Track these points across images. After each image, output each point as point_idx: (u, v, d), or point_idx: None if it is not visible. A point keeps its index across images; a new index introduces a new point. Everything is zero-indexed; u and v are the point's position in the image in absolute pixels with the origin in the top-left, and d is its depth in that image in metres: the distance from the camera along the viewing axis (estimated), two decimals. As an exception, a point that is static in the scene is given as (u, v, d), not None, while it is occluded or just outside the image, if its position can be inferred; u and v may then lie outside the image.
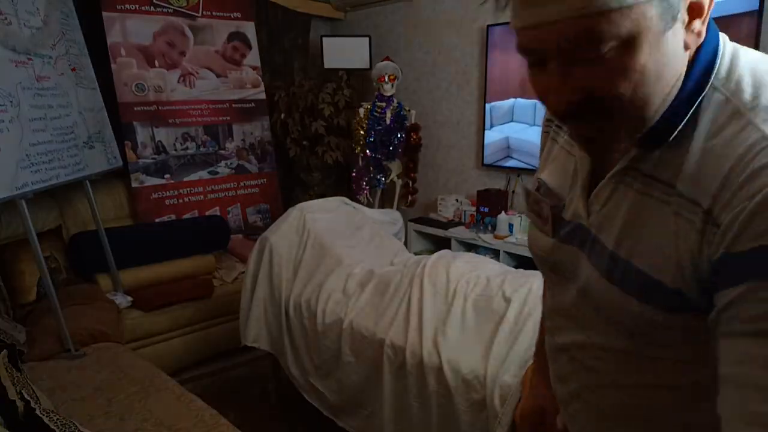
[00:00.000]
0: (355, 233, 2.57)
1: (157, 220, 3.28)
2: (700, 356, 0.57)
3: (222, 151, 3.54)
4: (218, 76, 3.53)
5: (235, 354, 3.01)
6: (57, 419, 1.34)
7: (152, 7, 3.26)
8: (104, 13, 3.10)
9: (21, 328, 2.40)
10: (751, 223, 0.49)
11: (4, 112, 2.11)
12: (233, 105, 3.59)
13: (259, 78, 3.70)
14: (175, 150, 3.36)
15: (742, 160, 0.51)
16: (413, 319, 1.92)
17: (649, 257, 0.58)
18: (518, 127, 3.20)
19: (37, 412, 1.34)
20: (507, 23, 3.20)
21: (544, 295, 0.89)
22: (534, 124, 3.10)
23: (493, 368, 1.65)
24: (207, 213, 3.48)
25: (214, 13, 3.49)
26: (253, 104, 3.67)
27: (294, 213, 2.52)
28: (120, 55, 3.16)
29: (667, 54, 0.54)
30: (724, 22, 2.27)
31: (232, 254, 3.43)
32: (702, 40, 0.56)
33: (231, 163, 3.58)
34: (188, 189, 3.42)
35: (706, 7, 0.55)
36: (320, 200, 2.74)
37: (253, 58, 3.67)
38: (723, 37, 0.60)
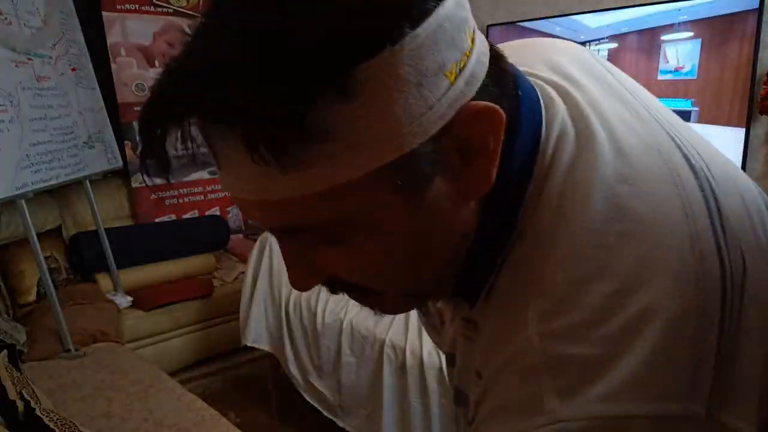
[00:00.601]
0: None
1: (157, 220, 3.28)
2: None
3: (222, 151, 3.54)
4: (218, 76, 3.52)
5: (235, 354, 3.01)
6: (57, 419, 1.34)
7: (152, 7, 3.26)
8: (104, 13, 3.09)
9: (21, 328, 2.40)
10: None
11: (4, 112, 2.11)
12: (233, 105, 3.59)
13: (259, 78, 3.70)
14: (175, 150, 3.35)
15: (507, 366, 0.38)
16: (413, 319, 1.92)
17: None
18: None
19: (37, 412, 1.34)
20: (507, 23, 3.18)
21: None
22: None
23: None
24: (207, 213, 3.48)
25: (214, 13, 3.49)
26: (253, 104, 3.67)
27: (294, 213, 2.52)
28: (120, 55, 3.16)
29: (429, 220, 0.38)
30: (724, 22, 2.30)
31: (232, 254, 3.43)
32: (492, 182, 0.38)
33: (231, 163, 3.58)
34: (188, 189, 3.42)
35: (491, 144, 0.37)
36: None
37: (253, 58, 3.67)
38: (554, 126, 0.41)
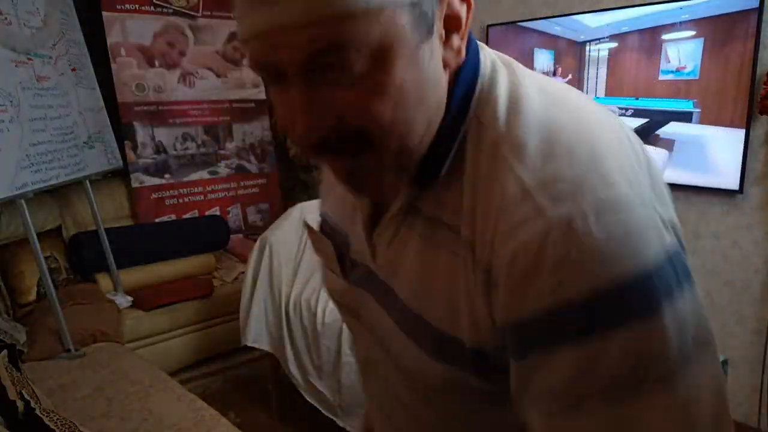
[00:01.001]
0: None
1: (157, 220, 3.28)
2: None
3: (222, 151, 3.54)
4: (218, 76, 3.52)
5: (235, 354, 3.01)
6: (57, 419, 1.34)
7: (152, 7, 3.26)
8: (104, 13, 3.09)
9: (21, 328, 2.40)
10: (519, 289, 0.43)
11: (4, 112, 2.11)
12: (233, 105, 3.59)
13: (259, 78, 3.69)
14: (175, 150, 3.36)
15: (505, 211, 0.44)
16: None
17: (442, 313, 0.50)
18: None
19: (37, 412, 1.34)
20: (507, 23, 3.18)
21: None
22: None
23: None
24: (207, 213, 3.48)
25: (214, 13, 3.49)
26: (253, 104, 3.67)
27: (294, 213, 2.52)
28: (120, 55, 3.16)
29: (426, 72, 0.46)
30: (726, 20, 2.28)
31: (232, 254, 3.43)
32: (462, 58, 0.49)
33: (231, 163, 3.58)
34: (188, 189, 3.42)
35: (464, 20, 0.47)
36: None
37: (253, 58, 3.67)
38: (485, 54, 0.52)
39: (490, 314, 0.46)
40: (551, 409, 0.43)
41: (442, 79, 0.48)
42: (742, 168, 2.25)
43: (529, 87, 0.49)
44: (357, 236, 0.60)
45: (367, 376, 0.70)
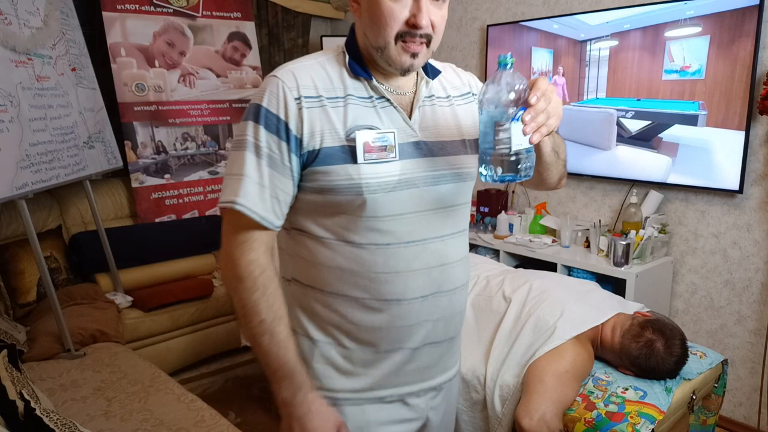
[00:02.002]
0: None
1: (157, 220, 3.28)
2: None
3: (222, 151, 3.54)
4: (218, 76, 3.53)
5: (235, 354, 3.02)
6: (57, 419, 1.34)
7: (152, 7, 3.26)
8: (104, 13, 3.09)
9: (21, 328, 2.41)
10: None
11: (4, 112, 2.11)
12: (233, 105, 3.59)
13: (259, 78, 3.69)
14: (175, 150, 3.36)
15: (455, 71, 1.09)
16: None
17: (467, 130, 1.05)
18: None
19: (37, 412, 1.34)
20: (507, 23, 3.17)
21: None
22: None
23: (493, 368, 1.65)
24: (207, 213, 3.48)
25: (214, 13, 3.49)
26: (253, 104, 3.67)
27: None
28: (120, 55, 3.16)
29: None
30: (734, 17, 2.23)
31: (232, 254, 3.42)
32: None
33: (231, 163, 3.58)
34: (188, 189, 3.42)
35: None
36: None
37: (253, 58, 3.67)
38: None
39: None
40: None
41: None
42: (742, 168, 2.25)
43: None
44: (399, 128, 0.95)
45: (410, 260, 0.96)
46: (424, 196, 0.94)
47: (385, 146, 0.91)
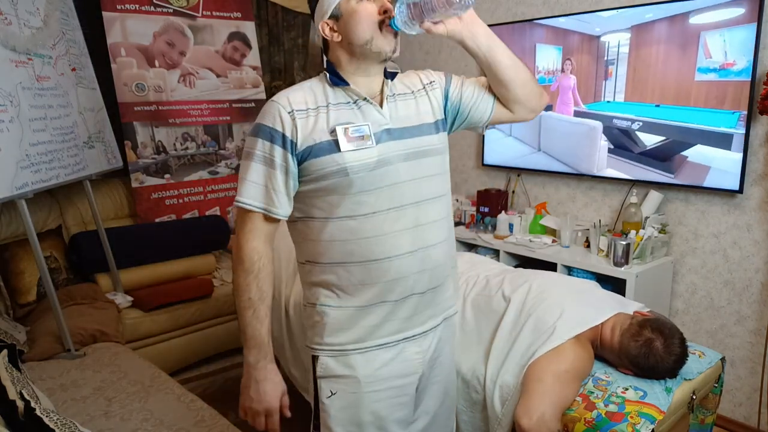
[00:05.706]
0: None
1: (157, 220, 3.28)
2: None
3: (222, 151, 3.54)
4: (218, 76, 3.52)
5: (235, 354, 3.01)
6: (57, 419, 1.34)
7: (152, 7, 3.26)
8: (104, 13, 3.09)
9: (21, 328, 2.41)
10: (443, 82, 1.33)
11: (4, 112, 2.11)
12: (233, 105, 3.59)
13: (259, 78, 3.69)
14: (175, 150, 3.36)
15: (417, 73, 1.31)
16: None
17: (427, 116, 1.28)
18: (519, 126, 3.19)
19: (37, 412, 1.34)
20: (506, 23, 3.17)
21: None
22: (534, 124, 3.07)
23: (493, 368, 1.65)
24: (207, 213, 3.48)
25: (214, 13, 3.49)
26: (253, 104, 3.67)
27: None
28: (120, 55, 3.16)
29: None
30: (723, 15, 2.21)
31: (232, 254, 3.43)
32: None
33: (231, 163, 3.58)
34: (188, 189, 3.42)
35: None
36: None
37: (253, 58, 3.67)
38: None
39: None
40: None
41: None
42: (742, 168, 2.24)
43: None
44: (369, 118, 1.19)
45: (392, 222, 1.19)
46: (399, 170, 1.17)
47: (362, 135, 1.15)
